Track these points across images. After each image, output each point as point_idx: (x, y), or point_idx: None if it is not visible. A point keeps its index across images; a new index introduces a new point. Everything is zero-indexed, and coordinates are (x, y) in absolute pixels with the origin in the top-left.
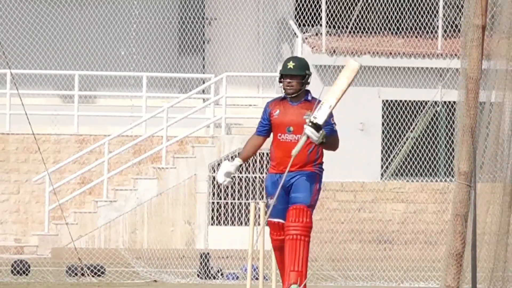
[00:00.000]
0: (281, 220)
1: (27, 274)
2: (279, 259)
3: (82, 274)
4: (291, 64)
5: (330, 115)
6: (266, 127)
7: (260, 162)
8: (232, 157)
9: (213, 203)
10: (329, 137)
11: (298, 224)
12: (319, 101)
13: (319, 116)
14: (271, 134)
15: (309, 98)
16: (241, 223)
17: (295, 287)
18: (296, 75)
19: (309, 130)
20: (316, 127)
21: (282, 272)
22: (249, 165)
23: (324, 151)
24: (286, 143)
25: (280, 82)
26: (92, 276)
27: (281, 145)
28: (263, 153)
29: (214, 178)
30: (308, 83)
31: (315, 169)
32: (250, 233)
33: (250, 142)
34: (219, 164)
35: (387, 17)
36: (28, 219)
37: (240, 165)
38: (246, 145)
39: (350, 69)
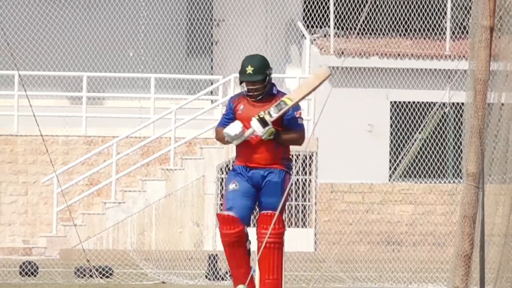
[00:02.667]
0: (231, 214)
1: (35, 276)
2: (230, 255)
3: (91, 276)
4: (249, 69)
5: (296, 109)
6: (230, 121)
7: None
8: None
9: (221, 204)
10: (284, 134)
11: (271, 232)
12: (285, 94)
13: (272, 113)
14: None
15: (274, 92)
16: (249, 225)
17: None
18: (257, 80)
19: (254, 124)
20: (263, 122)
21: (237, 269)
22: None
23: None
24: (253, 140)
25: (241, 84)
26: (100, 277)
27: (247, 142)
28: None
29: (222, 179)
30: (271, 79)
31: (284, 166)
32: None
33: (221, 133)
34: (227, 166)
35: (395, 18)
36: (36, 220)
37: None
38: (221, 132)
39: (316, 76)
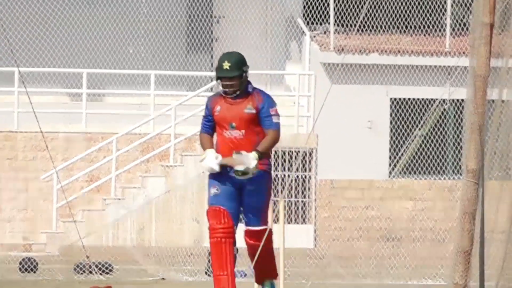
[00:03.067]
0: (222, 207)
1: (35, 272)
2: (217, 254)
3: (90, 272)
4: (226, 65)
5: (271, 105)
6: (210, 123)
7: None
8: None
9: None
10: (263, 148)
11: (263, 243)
12: (260, 91)
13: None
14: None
15: (250, 90)
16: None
17: (269, 281)
18: (233, 76)
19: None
20: (244, 173)
21: (220, 271)
22: None
23: None
24: (232, 139)
25: (217, 80)
26: (100, 273)
27: (227, 141)
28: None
29: None
30: (247, 77)
31: (264, 166)
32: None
33: (205, 140)
34: None
35: (395, 15)
36: (36, 217)
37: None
38: (204, 143)
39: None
